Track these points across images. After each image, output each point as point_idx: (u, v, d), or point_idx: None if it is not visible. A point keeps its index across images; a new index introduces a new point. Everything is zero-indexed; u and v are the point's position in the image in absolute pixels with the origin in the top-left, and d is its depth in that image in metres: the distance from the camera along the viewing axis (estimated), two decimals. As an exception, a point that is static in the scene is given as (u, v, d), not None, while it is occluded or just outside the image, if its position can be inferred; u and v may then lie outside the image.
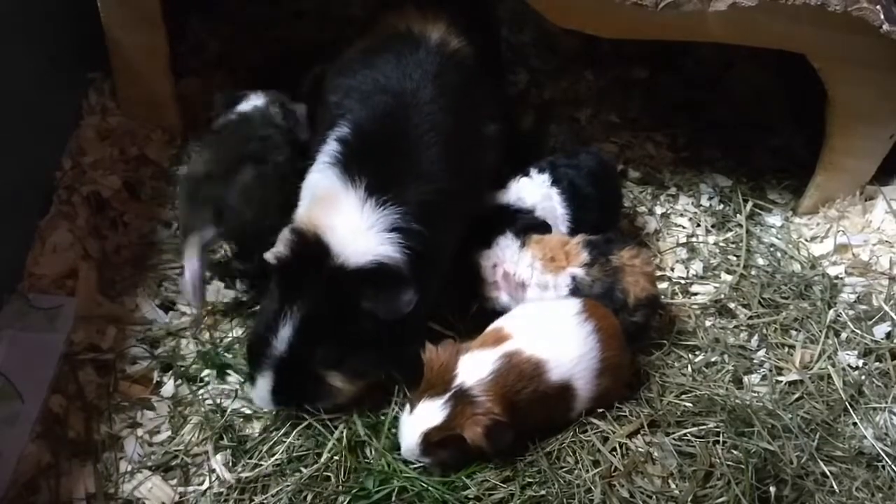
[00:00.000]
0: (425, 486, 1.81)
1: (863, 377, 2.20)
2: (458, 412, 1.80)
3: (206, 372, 2.04)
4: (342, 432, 1.89)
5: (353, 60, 2.24)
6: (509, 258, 2.12)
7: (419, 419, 1.82)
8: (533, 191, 2.26)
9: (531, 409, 1.86)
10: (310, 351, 1.86)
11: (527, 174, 2.30)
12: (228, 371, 2.05)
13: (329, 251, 1.86)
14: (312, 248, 1.87)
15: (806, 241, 2.59)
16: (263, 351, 1.88)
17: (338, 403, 1.94)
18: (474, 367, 1.85)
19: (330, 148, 2.04)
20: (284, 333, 1.85)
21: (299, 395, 1.91)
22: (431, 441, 1.81)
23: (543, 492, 1.82)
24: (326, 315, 1.86)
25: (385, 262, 1.87)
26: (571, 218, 2.29)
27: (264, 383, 1.89)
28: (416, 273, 1.90)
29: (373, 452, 1.89)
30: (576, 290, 2.09)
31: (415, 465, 1.86)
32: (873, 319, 2.33)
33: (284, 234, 1.90)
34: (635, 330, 2.12)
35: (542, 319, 1.97)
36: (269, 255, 1.90)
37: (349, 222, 1.90)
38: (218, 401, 1.98)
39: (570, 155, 2.42)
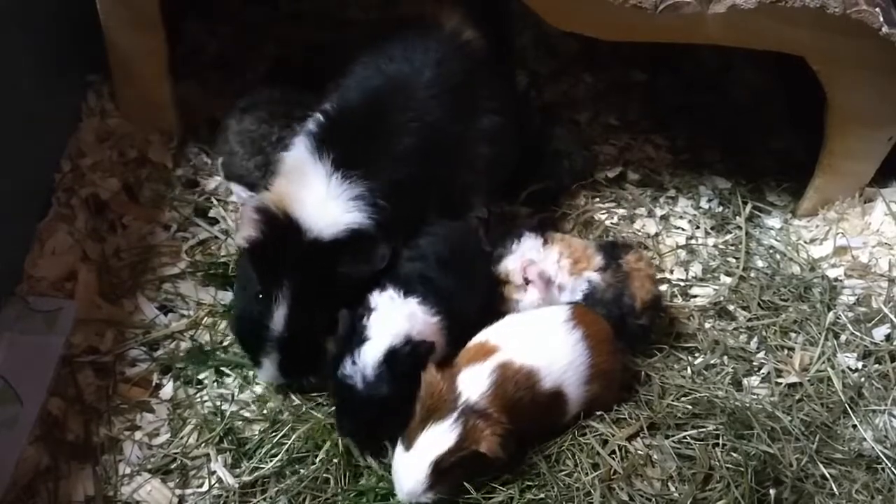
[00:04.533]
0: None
1: (862, 379, 2.19)
2: (470, 428, 1.74)
3: (205, 374, 2.04)
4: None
5: (363, 44, 2.26)
6: (537, 257, 2.04)
7: (425, 449, 1.73)
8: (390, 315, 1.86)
9: (526, 418, 1.84)
10: (307, 325, 1.91)
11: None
12: (224, 370, 2.05)
13: (300, 227, 1.89)
14: (283, 225, 1.91)
15: (805, 243, 2.59)
16: (263, 335, 1.91)
17: None
18: (473, 381, 1.80)
19: (311, 122, 2.07)
20: (280, 314, 1.89)
21: (305, 367, 1.97)
22: (443, 468, 1.73)
23: (542, 495, 1.82)
24: (314, 289, 1.89)
25: (356, 228, 1.91)
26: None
27: (271, 363, 1.94)
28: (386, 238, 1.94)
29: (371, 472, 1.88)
30: (590, 295, 2.06)
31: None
32: (873, 321, 2.33)
33: (249, 214, 1.92)
34: (642, 333, 2.12)
35: (530, 328, 1.93)
36: (240, 239, 1.93)
37: (315, 194, 1.93)
38: (217, 403, 1.98)
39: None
